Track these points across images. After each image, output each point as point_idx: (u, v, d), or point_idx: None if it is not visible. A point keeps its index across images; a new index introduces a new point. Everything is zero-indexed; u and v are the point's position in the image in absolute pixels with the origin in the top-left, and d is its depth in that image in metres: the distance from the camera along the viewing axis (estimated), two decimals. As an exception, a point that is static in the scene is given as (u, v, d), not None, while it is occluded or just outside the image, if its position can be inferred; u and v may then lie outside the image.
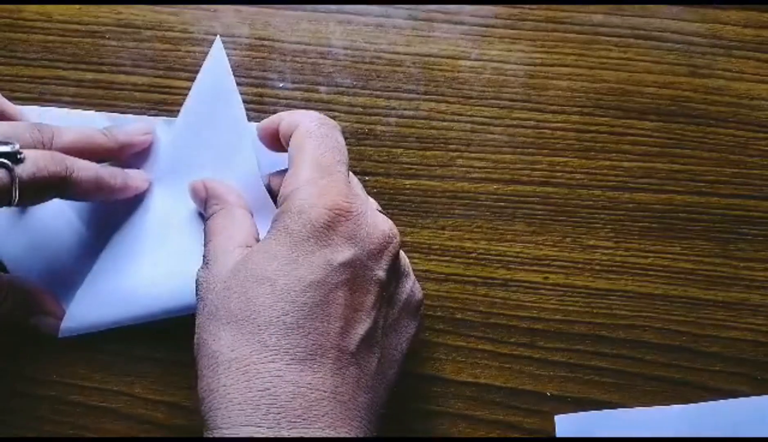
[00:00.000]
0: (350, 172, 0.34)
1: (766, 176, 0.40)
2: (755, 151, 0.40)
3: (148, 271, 0.36)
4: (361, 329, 0.28)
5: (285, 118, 0.33)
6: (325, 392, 0.27)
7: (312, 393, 0.26)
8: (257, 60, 0.40)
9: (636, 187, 0.39)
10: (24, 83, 0.40)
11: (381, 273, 0.29)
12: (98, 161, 0.35)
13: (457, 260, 0.38)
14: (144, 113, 0.39)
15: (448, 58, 0.40)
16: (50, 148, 0.32)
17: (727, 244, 0.39)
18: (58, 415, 0.37)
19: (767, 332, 0.38)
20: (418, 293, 0.33)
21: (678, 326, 0.38)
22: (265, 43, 0.40)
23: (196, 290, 0.31)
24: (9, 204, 0.30)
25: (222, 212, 0.34)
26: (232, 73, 0.37)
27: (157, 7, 0.41)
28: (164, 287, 0.36)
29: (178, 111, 0.37)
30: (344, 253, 0.28)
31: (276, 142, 0.34)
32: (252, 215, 0.34)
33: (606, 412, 0.37)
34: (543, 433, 0.37)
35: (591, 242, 0.39)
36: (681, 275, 0.39)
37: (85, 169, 0.32)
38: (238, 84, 0.39)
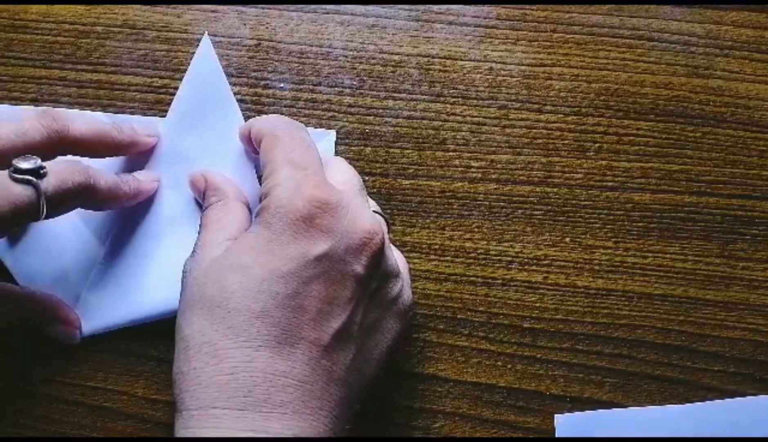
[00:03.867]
0: (352, 169, 0.34)
1: (765, 176, 0.40)
2: (754, 152, 0.40)
3: (155, 269, 0.36)
4: (336, 322, 0.29)
5: (254, 125, 0.34)
6: (292, 380, 0.27)
7: (279, 380, 0.27)
8: (257, 60, 0.40)
9: (635, 187, 0.39)
10: (24, 83, 0.40)
11: (359, 269, 0.29)
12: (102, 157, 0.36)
13: (457, 260, 0.38)
14: (144, 113, 0.39)
15: (447, 58, 0.41)
16: (64, 137, 0.32)
17: (726, 244, 0.39)
18: (59, 414, 0.37)
19: (767, 332, 0.38)
20: (408, 297, 0.33)
21: (678, 326, 0.38)
22: (265, 43, 0.40)
23: (182, 278, 0.31)
24: (37, 219, 0.30)
25: (218, 204, 0.34)
26: (221, 68, 0.38)
27: (158, 8, 0.41)
28: (176, 287, 0.36)
29: (178, 111, 0.38)
30: (320, 246, 0.29)
31: (251, 145, 0.35)
32: (249, 209, 0.35)
33: (606, 412, 0.37)
34: (543, 433, 0.37)
35: (591, 242, 0.39)
36: (681, 275, 0.39)
37: (104, 178, 0.33)
38: (238, 85, 0.40)
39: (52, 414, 0.37)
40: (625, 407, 0.37)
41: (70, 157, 0.33)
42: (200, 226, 0.33)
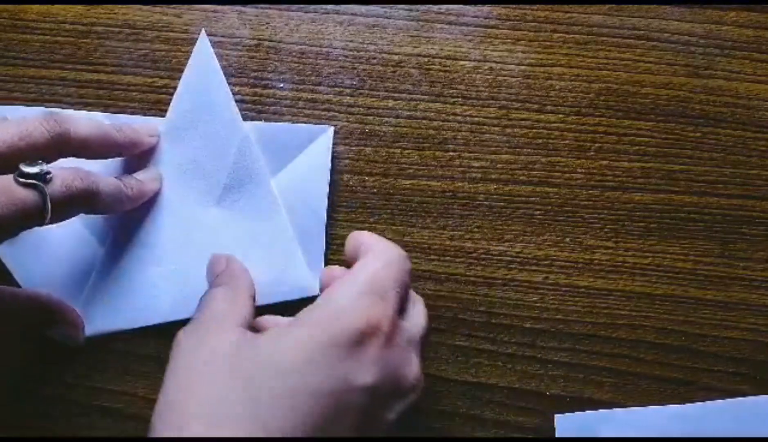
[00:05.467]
0: (423, 308, 0.32)
1: (765, 176, 0.40)
2: (755, 152, 0.40)
3: (156, 273, 0.37)
4: None
5: (354, 241, 0.32)
6: None
7: None
8: (257, 61, 0.40)
9: (635, 187, 0.39)
10: (24, 83, 0.40)
11: (392, 416, 0.28)
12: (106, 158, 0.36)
13: (458, 260, 0.38)
14: (144, 113, 0.39)
15: (447, 58, 0.41)
16: (67, 140, 0.32)
17: (726, 244, 0.39)
18: (59, 414, 0.37)
19: (767, 332, 0.38)
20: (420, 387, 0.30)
21: (678, 326, 0.38)
22: (266, 43, 0.40)
23: (174, 349, 0.29)
24: (41, 223, 0.30)
25: (230, 286, 0.32)
26: (219, 66, 0.38)
27: (158, 8, 0.41)
28: (176, 288, 0.36)
29: (178, 111, 0.38)
30: (367, 375, 0.26)
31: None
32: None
33: (606, 412, 0.37)
34: (543, 433, 0.37)
35: (591, 242, 0.39)
36: (681, 275, 0.39)
37: (107, 183, 0.33)
38: (238, 85, 0.40)
39: (52, 414, 0.37)
40: (625, 407, 0.37)
41: (72, 160, 0.33)
42: (203, 301, 0.31)
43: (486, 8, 0.41)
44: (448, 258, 0.38)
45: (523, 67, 0.41)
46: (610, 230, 0.39)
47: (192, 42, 0.40)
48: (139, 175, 0.37)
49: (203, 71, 0.38)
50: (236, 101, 0.39)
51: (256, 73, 0.40)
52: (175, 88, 0.39)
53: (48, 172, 0.30)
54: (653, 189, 0.39)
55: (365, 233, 0.33)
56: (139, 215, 0.37)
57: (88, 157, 0.34)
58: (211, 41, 0.39)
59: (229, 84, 0.39)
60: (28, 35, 0.40)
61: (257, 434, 0.25)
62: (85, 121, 0.33)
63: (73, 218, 0.36)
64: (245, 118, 0.39)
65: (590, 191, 0.39)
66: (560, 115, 0.40)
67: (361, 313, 0.27)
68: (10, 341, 0.36)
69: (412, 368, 0.28)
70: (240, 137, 0.38)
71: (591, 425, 0.37)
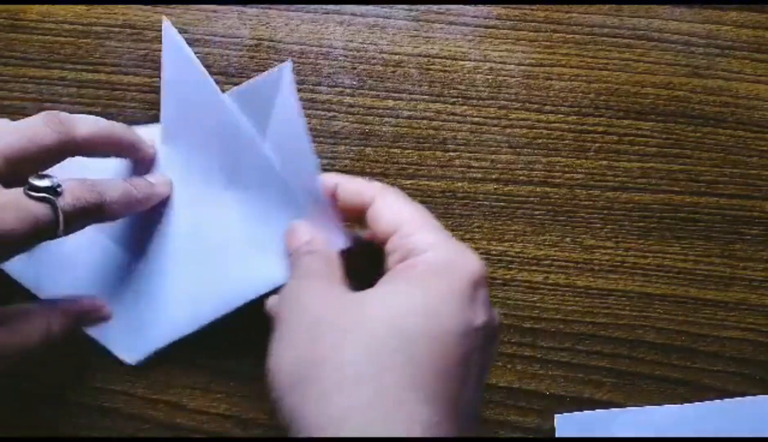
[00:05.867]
0: None
1: (765, 176, 0.40)
2: (755, 152, 0.40)
3: (173, 286, 0.36)
4: (478, 396, 0.27)
5: (345, 189, 0.32)
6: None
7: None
8: (257, 61, 0.40)
9: (635, 187, 0.39)
10: (24, 83, 0.40)
11: (491, 359, 0.29)
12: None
13: (457, 259, 0.38)
14: (145, 113, 0.39)
15: (448, 58, 0.41)
16: (74, 140, 0.32)
17: (726, 244, 0.39)
18: (58, 414, 0.37)
19: (767, 332, 0.38)
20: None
21: (678, 326, 0.38)
22: (265, 43, 0.40)
23: (274, 317, 0.29)
24: (54, 237, 0.29)
25: (311, 256, 0.31)
26: (190, 50, 0.36)
27: (158, 8, 0.41)
28: (207, 294, 0.36)
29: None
30: (481, 316, 0.27)
31: (352, 214, 0.32)
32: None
33: (606, 412, 0.37)
34: (543, 432, 0.37)
35: (591, 242, 0.39)
36: (681, 275, 0.39)
37: (114, 189, 0.32)
38: (238, 85, 0.40)
39: (53, 414, 0.37)
40: (625, 407, 0.37)
41: (75, 162, 0.33)
42: (292, 268, 0.31)
43: (486, 8, 0.41)
44: (448, 258, 0.38)
45: (523, 67, 0.41)
46: (610, 230, 0.39)
47: (192, 42, 0.40)
48: (150, 177, 0.36)
49: (177, 60, 0.36)
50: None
51: (256, 73, 0.40)
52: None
53: (59, 185, 0.29)
54: (653, 189, 0.39)
55: (344, 177, 0.32)
56: (161, 222, 0.37)
57: (91, 156, 0.34)
58: (211, 41, 0.39)
59: (229, 84, 0.39)
60: (28, 35, 0.40)
61: (405, 389, 0.24)
62: (87, 119, 0.33)
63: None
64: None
65: (590, 191, 0.39)
66: (560, 115, 0.40)
67: (473, 259, 0.28)
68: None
69: (494, 309, 0.30)
70: (226, 118, 0.35)
71: (591, 425, 0.37)
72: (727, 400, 0.37)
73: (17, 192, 0.28)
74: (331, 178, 0.32)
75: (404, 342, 0.25)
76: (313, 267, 0.30)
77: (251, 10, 0.41)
